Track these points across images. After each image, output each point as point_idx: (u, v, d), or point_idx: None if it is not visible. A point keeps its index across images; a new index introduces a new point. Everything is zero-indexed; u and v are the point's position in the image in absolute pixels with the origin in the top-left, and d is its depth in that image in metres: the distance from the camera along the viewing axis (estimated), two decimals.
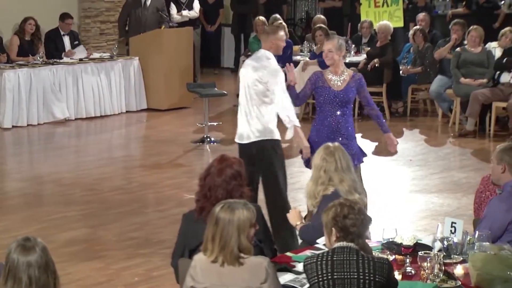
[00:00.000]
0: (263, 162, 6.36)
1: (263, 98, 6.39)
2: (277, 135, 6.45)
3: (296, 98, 6.66)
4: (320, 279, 3.80)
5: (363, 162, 6.65)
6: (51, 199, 8.16)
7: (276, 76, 6.37)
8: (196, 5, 14.13)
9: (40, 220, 7.30)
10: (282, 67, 6.79)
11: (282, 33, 6.59)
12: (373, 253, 4.29)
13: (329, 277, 3.78)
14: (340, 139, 6.32)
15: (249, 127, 6.43)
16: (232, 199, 4.39)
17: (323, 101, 6.51)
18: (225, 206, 3.86)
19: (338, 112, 6.48)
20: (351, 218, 3.85)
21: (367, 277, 3.76)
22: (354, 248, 3.83)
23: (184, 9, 13.97)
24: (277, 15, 13.05)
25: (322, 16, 13.70)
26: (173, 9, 13.96)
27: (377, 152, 10.08)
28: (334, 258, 3.81)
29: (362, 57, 12.08)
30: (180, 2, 14.03)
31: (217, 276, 3.85)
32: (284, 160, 6.56)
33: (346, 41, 6.70)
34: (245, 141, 6.44)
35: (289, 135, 6.48)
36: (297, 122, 6.46)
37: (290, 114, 6.39)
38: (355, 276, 3.77)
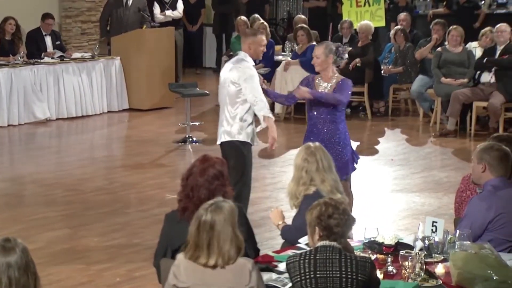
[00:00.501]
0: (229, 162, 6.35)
1: (235, 99, 6.45)
2: (243, 137, 6.46)
3: (285, 98, 6.72)
4: (303, 277, 3.80)
5: (348, 174, 6.57)
6: (32, 199, 8.12)
7: (248, 79, 6.39)
8: (180, 6, 14.10)
9: (21, 221, 7.26)
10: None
11: (262, 37, 6.57)
12: (355, 253, 4.31)
13: (312, 275, 3.79)
14: (331, 146, 6.32)
15: (220, 127, 6.52)
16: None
17: (311, 107, 6.52)
18: (213, 208, 3.83)
19: (327, 118, 6.48)
20: (335, 218, 3.86)
21: (349, 276, 3.78)
22: (337, 247, 3.84)
23: (168, 9, 13.94)
24: (256, 15, 13.07)
25: (303, 16, 13.72)
26: (157, 8, 13.92)
27: (358, 151, 10.03)
28: (317, 257, 3.82)
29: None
30: (163, 2, 13.99)
31: (201, 276, 3.84)
32: (250, 163, 6.54)
33: (337, 47, 6.64)
34: (218, 142, 6.55)
35: (262, 125, 6.55)
36: (269, 114, 6.50)
37: (261, 109, 6.42)
38: (338, 275, 3.78)
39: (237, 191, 6.16)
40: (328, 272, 3.79)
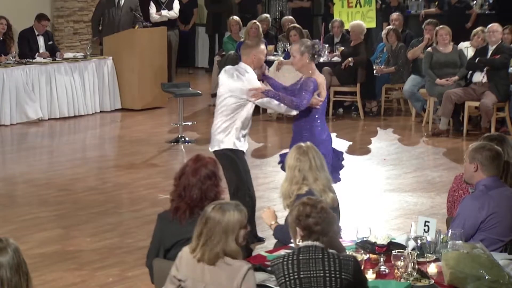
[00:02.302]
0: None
1: (229, 110, 6.40)
2: (229, 144, 6.42)
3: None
4: (287, 278, 3.81)
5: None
6: (23, 199, 8.10)
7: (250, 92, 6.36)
8: (176, 6, 14.07)
9: (13, 221, 7.24)
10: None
11: (263, 46, 6.55)
12: (347, 252, 4.31)
13: (296, 276, 3.80)
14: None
15: (213, 135, 6.49)
16: (207, 199, 4.40)
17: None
18: (217, 207, 3.86)
19: (302, 124, 6.46)
20: (313, 217, 3.87)
21: (333, 275, 3.78)
22: (320, 247, 3.85)
23: (164, 9, 13.92)
24: (266, 15, 13.07)
25: (290, 17, 13.73)
26: (153, 8, 13.91)
27: (351, 151, 10.12)
28: (300, 258, 3.83)
29: (335, 57, 12.15)
30: (159, 2, 13.97)
31: (200, 272, 3.86)
32: (240, 168, 6.50)
33: (313, 44, 6.44)
34: (210, 149, 6.52)
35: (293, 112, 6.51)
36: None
37: (276, 105, 6.43)
38: (321, 274, 3.78)
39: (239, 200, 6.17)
40: (311, 272, 3.79)
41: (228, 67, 6.61)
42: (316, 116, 6.51)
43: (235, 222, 3.82)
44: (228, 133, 6.43)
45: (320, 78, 6.54)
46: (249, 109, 6.46)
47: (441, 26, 11.24)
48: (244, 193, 6.46)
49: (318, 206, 3.90)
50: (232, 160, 6.45)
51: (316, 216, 3.87)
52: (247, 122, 6.50)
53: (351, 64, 11.74)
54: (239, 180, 6.46)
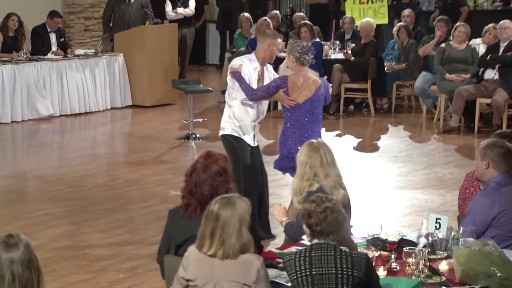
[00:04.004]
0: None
1: (227, 96, 6.61)
2: (228, 131, 6.58)
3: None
4: (299, 275, 3.81)
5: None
6: (34, 196, 8.12)
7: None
8: (192, 3, 14.07)
9: (24, 217, 7.26)
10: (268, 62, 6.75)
11: (280, 40, 6.57)
12: (358, 249, 4.30)
13: (308, 273, 3.80)
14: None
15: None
16: (217, 195, 4.39)
17: None
18: (224, 202, 3.86)
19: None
20: (313, 217, 3.88)
21: (345, 272, 3.77)
22: (332, 244, 3.84)
23: (179, 7, 13.93)
24: (275, 11, 13.08)
25: (301, 14, 13.70)
26: (168, 6, 13.92)
27: (362, 148, 10.11)
28: (312, 254, 3.82)
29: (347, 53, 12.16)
30: (175, 0, 13.98)
31: (208, 268, 3.86)
32: (239, 154, 6.55)
33: (298, 46, 6.28)
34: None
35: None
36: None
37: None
38: (333, 271, 3.78)
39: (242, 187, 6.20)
40: (323, 269, 3.79)
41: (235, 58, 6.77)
42: (288, 124, 6.38)
43: (245, 212, 3.85)
44: (226, 120, 6.61)
45: (300, 81, 6.34)
46: (240, 97, 6.50)
47: (462, 23, 11.21)
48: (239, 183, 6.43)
49: (321, 206, 3.89)
50: (232, 146, 6.59)
51: (316, 217, 3.88)
52: (246, 113, 6.53)
53: (349, 57, 11.87)
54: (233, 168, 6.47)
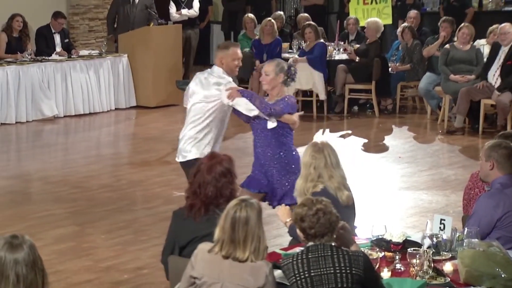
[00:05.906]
0: None
1: (197, 116, 6.16)
2: (193, 155, 6.16)
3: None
4: (298, 278, 3.81)
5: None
6: (38, 196, 8.13)
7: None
8: (196, 4, 14.08)
9: (28, 218, 7.27)
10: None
11: (235, 50, 6.10)
12: (363, 250, 4.29)
13: (306, 275, 3.80)
14: (271, 169, 6.03)
15: (180, 143, 6.29)
16: (222, 196, 4.40)
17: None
18: (243, 206, 3.82)
19: (272, 141, 6.05)
20: (306, 221, 3.87)
21: (343, 271, 3.77)
22: (328, 244, 3.85)
23: (184, 8, 13.94)
24: (280, 12, 13.07)
25: (305, 14, 13.70)
26: (173, 7, 13.93)
27: (366, 149, 10.10)
28: (309, 256, 3.82)
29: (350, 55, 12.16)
30: (179, 1, 13.99)
31: (217, 269, 3.86)
32: None
33: (289, 67, 6.05)
34: (177, 159, 6.35)
35: (270, 124, 6.01)
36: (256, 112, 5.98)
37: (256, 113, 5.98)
38: (332, 271, 3.78)
39: None
40: (322, 270, 3.79)
41: (198, 73, 6.31)
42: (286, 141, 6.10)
43: (261, 211, 3.86)
44: (191, 143, 6.21)
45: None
46: (221, 115, 6.15)
47: (466, 24, 11.19)
48: None
49: (313, 209, 3.88)
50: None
51: (308, 220, 3.86)
52: (222, 129, 6.20)
53: (353, 58, 11.88)
54: None
